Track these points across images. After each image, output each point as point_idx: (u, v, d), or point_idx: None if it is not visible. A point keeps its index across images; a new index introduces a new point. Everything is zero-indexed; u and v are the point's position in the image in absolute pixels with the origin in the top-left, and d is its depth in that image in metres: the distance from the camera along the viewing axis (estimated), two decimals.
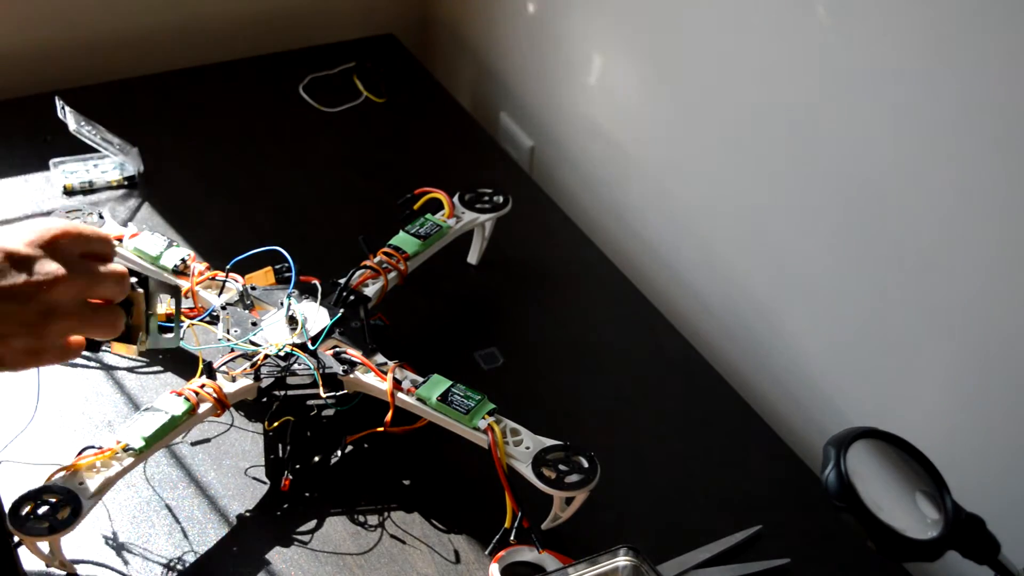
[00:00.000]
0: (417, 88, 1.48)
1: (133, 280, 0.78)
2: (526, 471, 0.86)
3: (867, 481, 0.66)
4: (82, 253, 0.73)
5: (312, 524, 0.91)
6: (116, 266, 0.75)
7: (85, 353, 1.02)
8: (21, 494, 0.80)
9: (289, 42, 1.52)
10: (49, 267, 0.70)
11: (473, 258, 1.18)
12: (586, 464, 0.86)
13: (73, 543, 0.86)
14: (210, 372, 0.91)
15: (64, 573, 0.84)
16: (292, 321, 0.96)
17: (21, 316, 0.70)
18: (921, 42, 0.89)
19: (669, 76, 1.20)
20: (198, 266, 1.01)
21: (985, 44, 0.84)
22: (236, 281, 0.99)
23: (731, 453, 1.02)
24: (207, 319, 0.97)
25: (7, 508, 0.80)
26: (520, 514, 0.86)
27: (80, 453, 0.84)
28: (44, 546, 0.81)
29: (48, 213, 1.15)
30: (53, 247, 0.71)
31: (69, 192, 1.21)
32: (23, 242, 0.71)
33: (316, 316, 0.96)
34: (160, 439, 0.86)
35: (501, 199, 1.15)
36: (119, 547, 0.88)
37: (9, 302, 0.69)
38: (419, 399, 0.91)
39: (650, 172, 1.27)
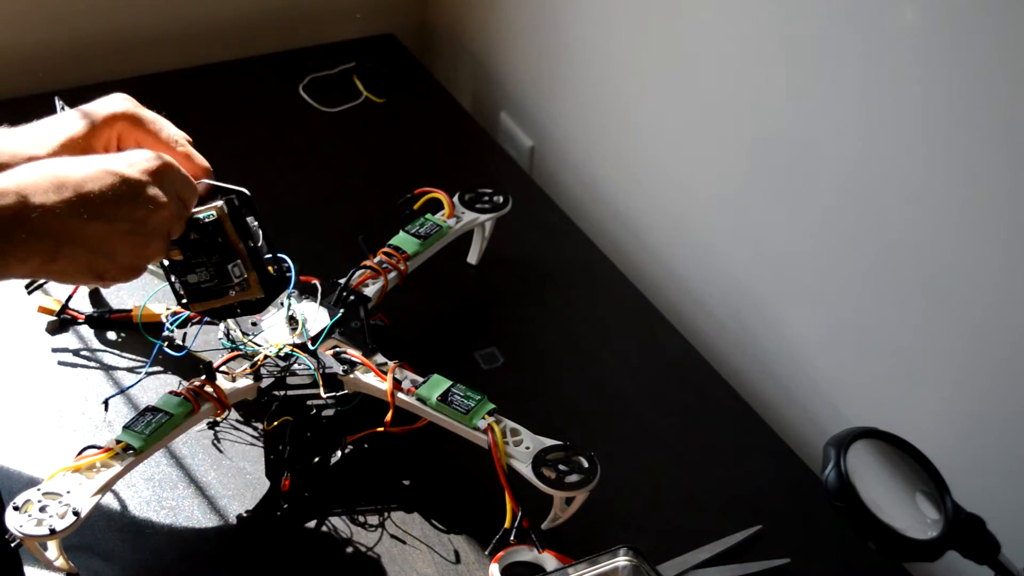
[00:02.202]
0: (417, 88, 1.48)
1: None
2: (526, 471, 0.86)
3: (867, 481, 0.66)
4: (177, 192, 0.79)
5: (312, 524, 0.91)
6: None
7: (97, 348, 1.03)
8: (21, 494, 0.80)
9: (289, 42, 1.52)
10: (157, 194, 0.77)
11: (473, 258, 1.18)
12: (586, 464, 0.86)
13: (73, 543, 0.85)
14: (210, 372, 0.91)
15: (65, 573, 0.84)
16: (292, 321, 0.96)
17: (124, 239, 0.76)
18: (921, 40, 0.89)
19: (669, 76, 1.20)
20: None
21: (985, 41, 0.84)
22: None
23: (731, 453, 1.02)
24: (208, 319, 0.97)
25: (7, 508, 0.80)
26: (520, 514, 0.86)
27: (80, 453, 0.84)
28: (44, 546, 0.81)
29: None
30: (159, 176, 0.78)
31: None
32: (130, 166, 0.77)
33: (316, 316, 0.96)
34: (160, 439, 0.86)
35: (501, 199, 1.15)
36: (119, 547, 0.88)
37: (122, 222, 0.76)
38: (419, 399, 0.91)
39: (650, 172, 1.27)
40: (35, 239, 0.73)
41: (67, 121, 0.84)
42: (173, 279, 0.86)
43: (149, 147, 0.85)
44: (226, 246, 0.84)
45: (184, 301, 0.87)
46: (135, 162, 0.77)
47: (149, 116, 0.86)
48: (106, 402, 0.96)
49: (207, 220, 0.84)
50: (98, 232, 0.75)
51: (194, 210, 0.84)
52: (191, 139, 0.88)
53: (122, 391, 0.99)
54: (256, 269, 0.85)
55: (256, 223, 0.86)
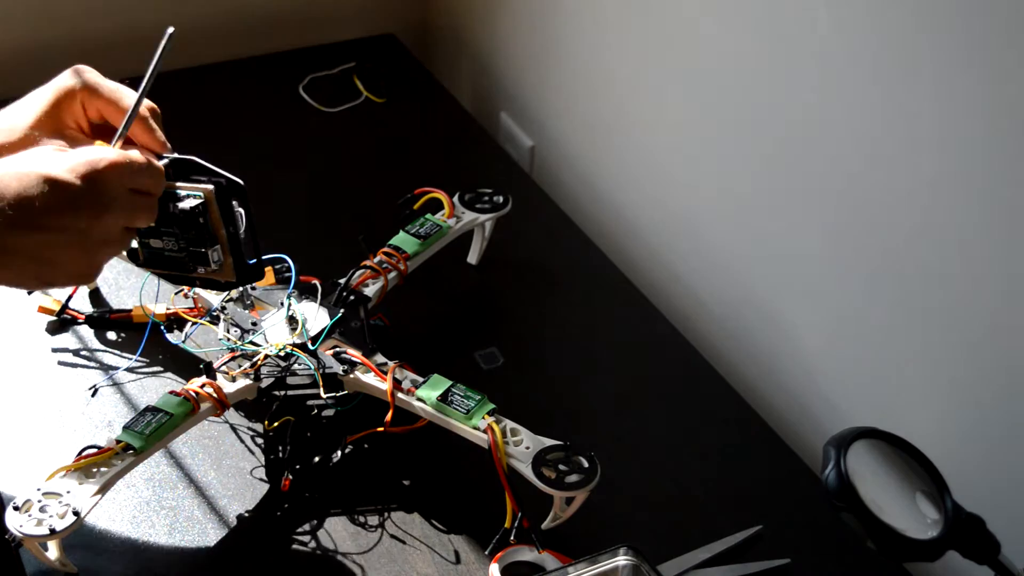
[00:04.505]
0: (417, 88, 1.48)
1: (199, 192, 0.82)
2: (526, 471, 0.86)
3: (867, 481, 0.66)
4: (130, 188, 0.75)
5: (312, 524, 0.91)
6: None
7: (97, 348, 1.03)
8: (21, 494, 0.80)
9: (289, 42, 1.52)
10: (98, 200, 0.72)
11: (473, 258, 1.18)
12: (586, 464, 0.86)
13: (73, 543, 0.85)
14: (210, 372, 0.91)
15: (65, 573, 0.84)
16: (292, 321, 0.96)
17: (67, 248, 0.72)
18: (916, 38, 0.89)
19: (669, 75, 1.20)
20: None
21: (978, 39, 0.84)
22: None
23: (731, 453, 1.02)
24: (207, 319, 0.97)
25: (7, 508, 0.80)
26: (520, 514, 0.86)
27: (80, 453, 0.84)
28: (44, 546, 0.81)
29: None
30: (100, 179, 0.72)
31: None
32: (69, 170, 0.71)
33: (316, 316, 0.96)
34: (160, 439, 0.86)
35: (501, 199, 1.15)
36: (119, 547, 0.88)
37: (63, 233, 0.71)
38: (419, 399, 0.91)
39: (650, 171, 1.27)
40: None
41: (33, 103, 0.81)
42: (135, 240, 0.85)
43: (110, 117, 0.81)
44: (207, 228, 0.84)
45: (139, 261, 0.87)
46: (75, 165, 0.72)
47: (107, 86, 0.82)
48: (94, 388, 0.96)
49: (193, 205, 0.82)
50: (39, 243, 0.71)
51: (180, 185, 0.83)
52: (158, 108, 0.83)
53: (111, 379, 0.99)
54: (233, 255, 0.85)
55: (242, 210, 0.85)
